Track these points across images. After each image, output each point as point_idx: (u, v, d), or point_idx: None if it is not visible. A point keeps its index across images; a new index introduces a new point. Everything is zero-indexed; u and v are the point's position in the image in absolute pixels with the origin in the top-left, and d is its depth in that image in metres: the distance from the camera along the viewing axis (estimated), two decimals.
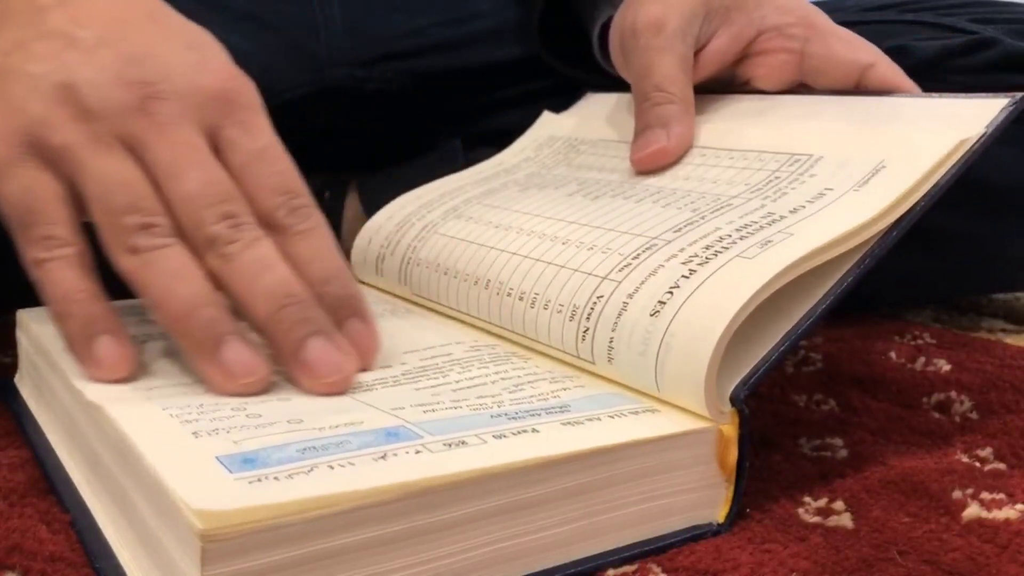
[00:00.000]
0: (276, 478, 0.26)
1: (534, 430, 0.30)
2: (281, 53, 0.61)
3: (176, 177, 0.34)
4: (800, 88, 0.48)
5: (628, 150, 0.49)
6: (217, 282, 0.34)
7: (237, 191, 0.35)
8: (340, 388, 0.34)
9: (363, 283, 0.53)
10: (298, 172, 0.37)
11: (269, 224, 0.35)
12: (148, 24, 0.38)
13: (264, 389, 0.34)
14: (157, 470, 0.27)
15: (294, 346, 0.34)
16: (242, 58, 0.61)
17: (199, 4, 0.60)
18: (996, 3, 0.61)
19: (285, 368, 0.34)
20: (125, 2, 0.39)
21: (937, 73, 0.56)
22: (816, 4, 0.61)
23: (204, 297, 0.33)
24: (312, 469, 0.27)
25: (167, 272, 0.33)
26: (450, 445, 0.29)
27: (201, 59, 0.37)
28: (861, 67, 0.46)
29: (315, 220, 0.36)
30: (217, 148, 0.36)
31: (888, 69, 0.46)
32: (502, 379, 0.36)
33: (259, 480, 0.26)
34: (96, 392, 0.33)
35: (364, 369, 0.36)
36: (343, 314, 0.36)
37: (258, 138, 0.36)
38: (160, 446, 0.28)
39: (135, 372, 0.34)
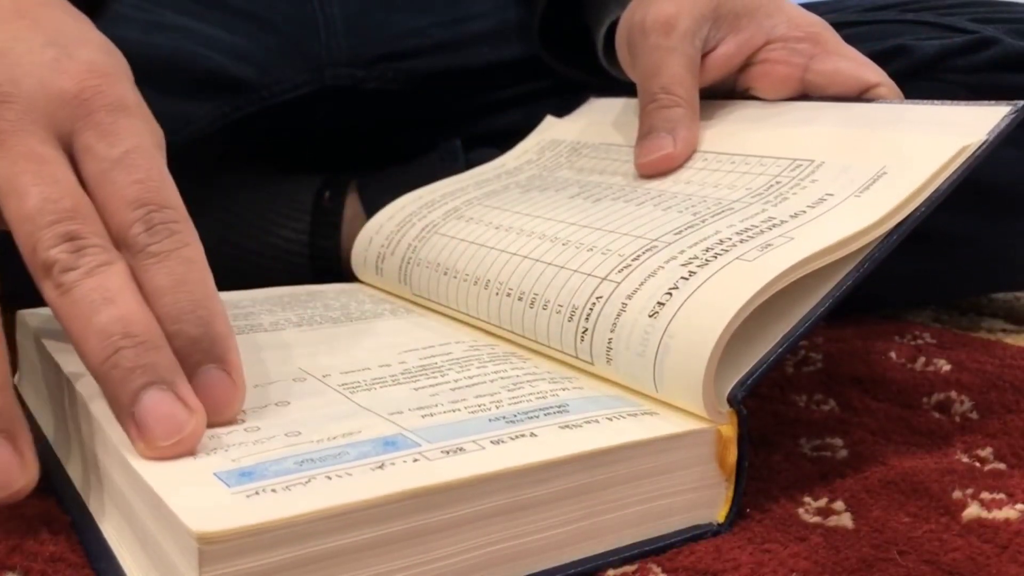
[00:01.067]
0: (274, 490, 0.26)
1: (532, 434, 0.30)
2: (281, 53, 0.61)
3: (13, 194, 0.30)
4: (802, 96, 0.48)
5: (630, 154, 0.49)
6: (58, 320, 0.30)
7: (86, 208, 0.31)
8: (179, 452, 0.28)
9: (363, 283, 0.53)
10: (168, 181, 0.32)
11: (123, 243, 0.30)
12: (12, 19, 0.34)
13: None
14: (156, 491, 0.26)
15: (126, 400, 0.28)
16: (242, 58, 0.61)
17: (198, 4, 0.60)
18: (996, 3, 0.61)
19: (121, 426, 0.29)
20: None
21: (937, 72, 0.56)
22: (816, 4, 0.61)
23: None
24: (310, 481, 0.27)
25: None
26: (448, 452, 0.29)
27: (59, 56, 0.33)
28: (864, 86, 0.46)
29: (179, 239, 0.31)
30: (73, 159, 0.32)
31: (891, 91, 0.46)
32: (501, 378, 0.36)
33: (256, 493, 0.26)
34: (94, 395, 0.33)
35: (220, 424, 0.30)
36: (196, 360, 0.30)
37: (117, 143, 0.32)
38: (158, 466, 0.28)
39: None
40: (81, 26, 0.35)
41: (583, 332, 0.36)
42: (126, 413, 0.28)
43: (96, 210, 0.31)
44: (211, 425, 0.30)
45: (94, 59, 0.33)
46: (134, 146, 0.32)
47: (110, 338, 0.29)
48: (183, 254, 0.31)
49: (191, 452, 0.28)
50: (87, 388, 0.34)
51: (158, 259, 0.30)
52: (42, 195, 0.30)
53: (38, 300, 0.33)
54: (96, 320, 0.29)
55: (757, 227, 0.37)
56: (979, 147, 0.37)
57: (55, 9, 0.35)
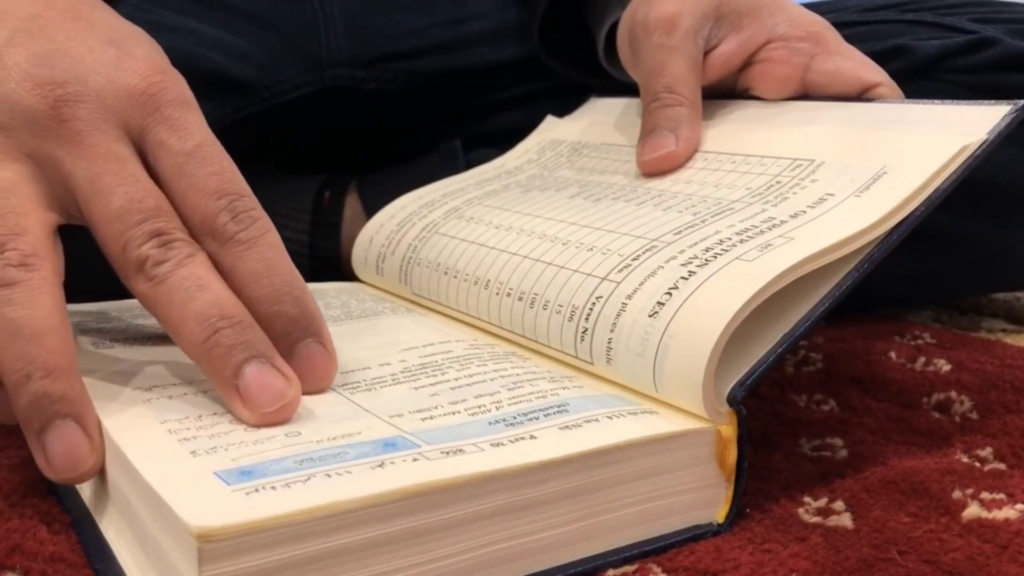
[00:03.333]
0: (273, 487, 0.26)
1: (532, 436, 0.30)
2: (281, 53, 0.61)
3: (98, 195, 0.31)
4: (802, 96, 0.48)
5: (631, 154, 0.49)
6: (151, 310, 0.32)
7: (166, 204, 0.32)
8: (281, 418, 0.31)
9: (363, 283, 0.53)
10: (238, 171, 0.33)
11: (209, 232, 0.32)
12: (66, 20, 0.34)
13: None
14: (156, 489, 0.27)
15: (229, 374, 0.31)
16: (242, 58, 0.61)
17: (199, 4, 0.61)
18: (996, 3, 0.61)
19: (223, 400, 0.32)
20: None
21: (937, 72, 0.56)
22: (817, 4, 0.61)
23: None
24: (309, 478, 0.27)
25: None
26: (448, 453, 0.29)
27: (121, 54, 0.33)
28: (865, 86, 0.46)
29: (261, 226, 0.32)
30: (144, 153, 0.33)
31: (892, 91, 0.46)
32: (501, 376, 0.36)
33: (256, 491, 0.26)
34: (94, 395, 0.33)
35: (319, 392, 0.33)
36: (296, 336, 0.32)
37: (189, 137, 0.33)
38: (158, 466, 0.28)
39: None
40: (131, 26, 0.36)
41: (583, 332, 0.36)
42: (230, 386, 0.31)
43: (174, 203, 0.32)
44: (310, 393, 0.33)
45: (152, 56, 0.34)
46: (204, 139, 0.33)
47: (208, 320, 0.31)
48: (269, 239, 0.32)
49: (289, 419, 0.31)
50: (87, 388, 0.34)
51: (248, 246, 0.32)
52: (127, 195, 0.31)
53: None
54: (192, 306, 0.31)
55: (757, 227, 0.37)
56: (979, 147, 0.37)
57: (105, 11, 0.36)
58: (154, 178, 0.33)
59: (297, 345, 0.32)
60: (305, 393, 0.32)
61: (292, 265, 0.33)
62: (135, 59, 0.34)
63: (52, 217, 0.32)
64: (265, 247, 0.32)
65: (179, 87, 0.34)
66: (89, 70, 0.33)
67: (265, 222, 0.33)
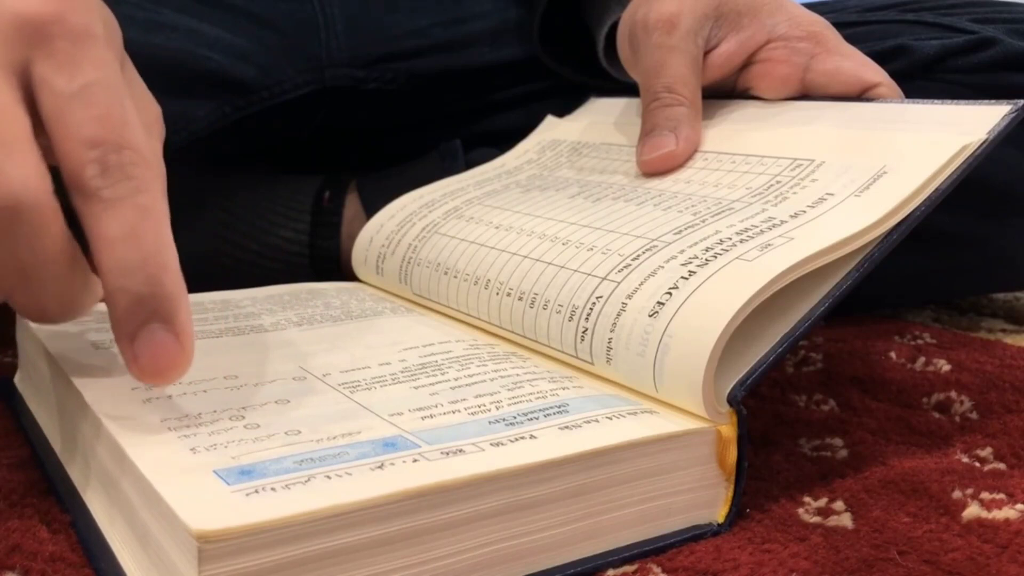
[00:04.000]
0: (273, 489, 0.26)
1: (532, 436, 0.30)
2: (281, 53, 0.61)
3: None
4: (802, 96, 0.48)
5: (631, 154, 0.49)
6: None
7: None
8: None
9: (363, 283, 0.53)
10: (131, 119, 0.29)
11: (75, 186, 0.28)
12: None
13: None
14: (156, 488, 0.27)
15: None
16: (242, 58, 0.61)
17: (199, 3, 0.60)
18: (996, 3, 0.61)
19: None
20: None
21: (937, 72, 0.56)
22: (817, 4, 0.61)
23: None
24: (309, 480, 0.27)
25: None
26: (447, 454, 0.29)
27: None
28: (865, 86, 0.46)
29: (134, 185, 0.28)
30: (32, 92, 0.29)
31: (892, 91, 0.46)
32: (501, 376, 0.36)
33: (256, 492, 0.26)
34: (94, 395, 0.33)
35: (163, 384, 0.30)
36: (140, 319, 0.28)
37: (77, 76, 0.28)
38: (158, 463, 0.28)
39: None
40: None
41: (583, 332, 0.36)
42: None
43: (52, 152, 0.29)
44: (154, 384, 0.29)
45: None
46: (95, 79, 0.29)
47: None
48: (140, 201, 0.28)
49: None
50: (87, 388, 0.34)
51: (109, 205, 0.28)
52: None
53: None
54: None
55: (757, 227, 0.37)
56: (979, 146, 0.37)
57: None
58: (40, 120, 0.29)
59: (141, 329, 0.28)
60: (148, 383, 0.29)
61: (162, 235, 0.28)
62: None
63: None
64: (130, 209, 0.28)
65: (82, 17, 0.29)
66: None
67: (143, 181, 0.28)
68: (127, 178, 0.28)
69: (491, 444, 0.30)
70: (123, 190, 0.28)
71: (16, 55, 0.28)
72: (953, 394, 0.45)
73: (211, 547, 0.24)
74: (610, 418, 0.32)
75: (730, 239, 0.36)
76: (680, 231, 0.38)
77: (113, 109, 0.28)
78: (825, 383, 0.48)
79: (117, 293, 0.28)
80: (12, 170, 0.27)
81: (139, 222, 0.28)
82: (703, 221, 0.39)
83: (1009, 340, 0.57)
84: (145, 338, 0.28)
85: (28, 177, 0.27)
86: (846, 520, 0.33)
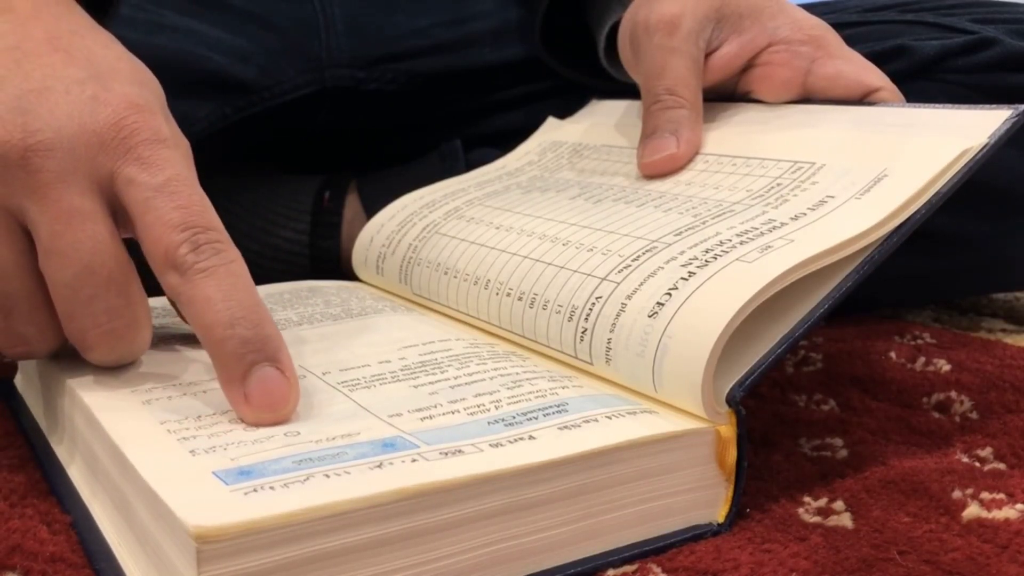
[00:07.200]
0: (271, 487, 0.26)
1: (531, 437, 0.30)
2: (281, 53, 0.61)
3: (53, 254, 0.32)
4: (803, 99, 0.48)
5: (632, 156, 0.49)
6: None
7: (120, 273, 0.32)
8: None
9: (364, 282, 0.53)
10: (208, 206, 0.33)
11: (170, 265, 0.32)
12: (45, 52, 0.34)
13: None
14: (155, 489, 0.27)
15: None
16: (243, 59, 0.61)
17: (199, 4, 0.61)
18: (996, 3, 0.61)
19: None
20: (25, 25, 0.35)
21: (937, 73, 0.56)
22: (816, 4, 0.61)
23: None
24: (308, 479, 0.27)
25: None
26: (446, 454, 0.29)
27: (97, 92, 0.33)
28: (866, 90, 0.46)
29: (224, 256, 0.32)
30: (116, 195, 0.33)
31: (893, 95, 0.46)
32: (501, 375, 0.36)
33: (254, 490, 0.26)
34: (93, 397, 0.33)
35: (277, 422, 0.31)
36: (250, 359, 0.31)
37: (159, 172, 0.33)
38: (157, 465, 0.28)
39: None
40: (111, 52, 0.36)
41: (583, 332, 0.36)
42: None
43: (140, 239, 0.33)
44: (266, 424, 0.31)
45: (128, 92, 0.34)
46: (175, 174, 0.33)
47: None
48: (232, 269, 0.32)
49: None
50: (86, 390, 0.34)
51: (207, 274, 0.31)
52: (82, 263, 0.32)
53: None
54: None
55: (757, 229, 0.37)
56: (980, 150, 0.37)
57: (85, 38, 0.36)
58: (125, 217, 0.33)
59: (252, 368, 0.31)
60: (260, 424, 0.31)
61: (255, 295, 0.32)
62: (112, 95, 0.33)
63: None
64: (224, 275, 0.32)
65: (153, 124, 0.33)
66: (64, 115, 0.32)
67: (229, 254, 0.32)
68: (216, 252, 0.32)
69: (490, 445, 0.30)
70: (215, 261, 0.32)
71: (103, 169, 0.32)
72: (953, 394, 0.45)
73: (210, 547, 0.24)
74: (609, 418, 0.32)
75: (730, 241, 0.36)
76: (680, 232, 0.38)
77: (194, 197, 0.33)
78: (825, 383, 0.48)
79: (224, 341, 0.31)
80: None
81: (235, 283, 0.32)
82: (703, 223, 0.39)
83: (1009, 340, 0.57)
84: (256, 377, 0.31)
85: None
86: (846, 520, 0.33)
